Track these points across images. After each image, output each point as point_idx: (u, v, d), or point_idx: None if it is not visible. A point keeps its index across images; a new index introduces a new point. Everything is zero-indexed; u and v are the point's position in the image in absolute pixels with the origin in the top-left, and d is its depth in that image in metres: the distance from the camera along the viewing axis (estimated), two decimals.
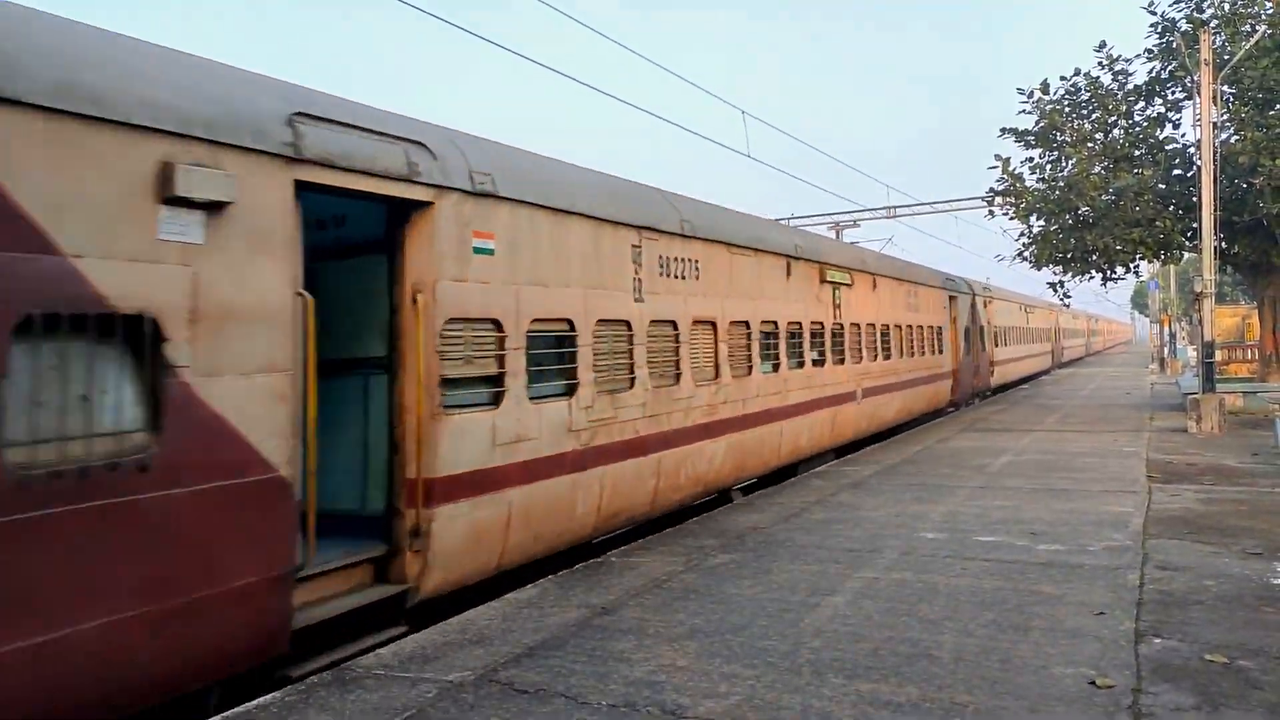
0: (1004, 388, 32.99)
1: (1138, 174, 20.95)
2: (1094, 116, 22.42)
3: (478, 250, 7.01)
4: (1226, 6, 20.86)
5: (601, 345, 8.59)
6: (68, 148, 4.39)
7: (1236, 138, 19.88)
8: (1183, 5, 21.53)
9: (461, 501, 6.71)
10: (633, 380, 9.03)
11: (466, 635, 5.98)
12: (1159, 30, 21.63)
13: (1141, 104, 22.40)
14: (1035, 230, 23.40)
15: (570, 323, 8.14)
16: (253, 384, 5.20)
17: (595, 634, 5.95)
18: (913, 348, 19.85)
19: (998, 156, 23.17)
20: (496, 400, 7.16)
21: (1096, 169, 21.45)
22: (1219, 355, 24.06)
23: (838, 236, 39.09)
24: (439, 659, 5.54)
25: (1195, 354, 25.00)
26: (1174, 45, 20.65)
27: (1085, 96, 22.45)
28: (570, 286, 8.19)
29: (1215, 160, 18.12)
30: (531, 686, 5.04)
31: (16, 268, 4.15)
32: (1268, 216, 19.51)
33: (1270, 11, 19.75)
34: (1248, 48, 18.97)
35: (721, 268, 11.03)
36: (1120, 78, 22.38)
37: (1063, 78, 22.65)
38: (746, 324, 11.61)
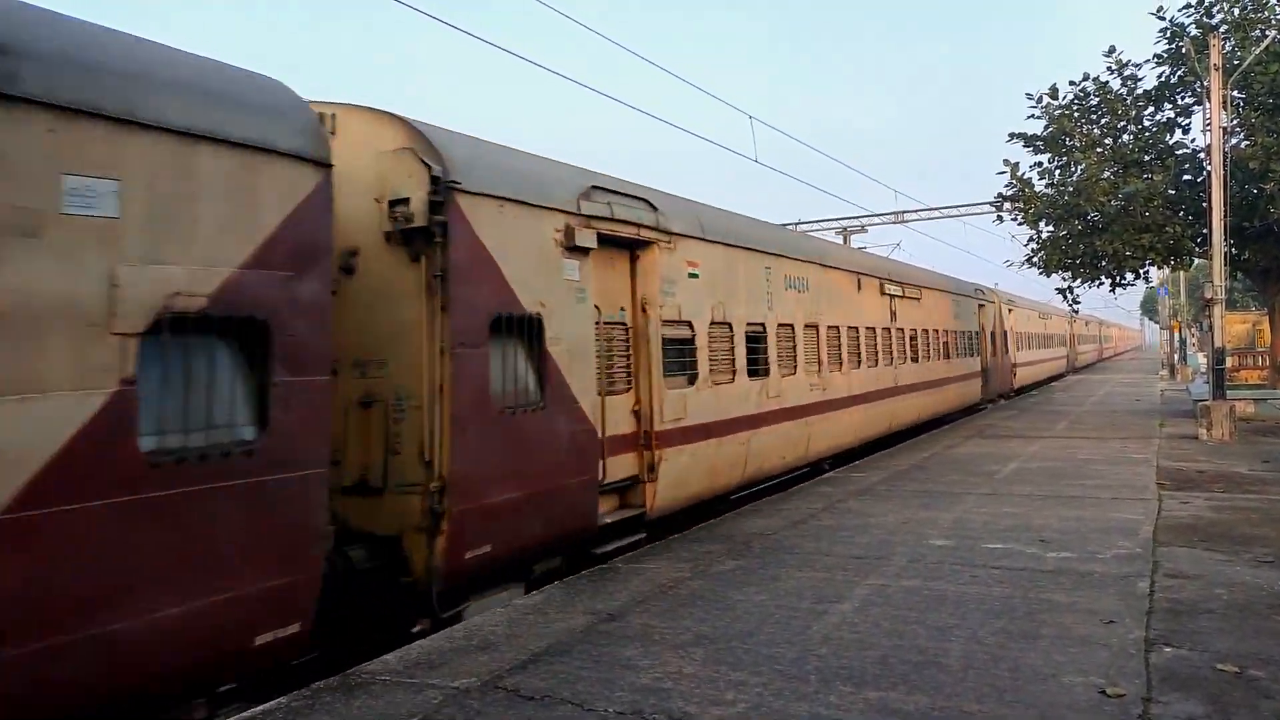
0: (1025, 389, 35.22)
1: (1147, 179, 20.85)
2: (1103, 121, 22.33)
3: (691, 275, 10.36)
4: (1236, 11, 20.76)
5: (756, 343, 11.93)
6: (514, 220, 7.55)
7: (1247, 143, 19.78)
8: (1192, 10, 21.46)
9: (674, 449, 9.72)
10: (768, 369, 12.12)
11: (472, 641, 5.97)
12: (1168, 35, 21.55)
13: (1151, 109, 22.30)
14: (1044, 236, 23.33)
15: (727, 325, 11.20)
16: (585, 369, 8.33)
17: (601, 640, 5.93)
18: (952, 351, 22.75)
19: (1006, 161, 23.11)
20: (692, 377, 10.31)
21: (1106, 174, 21.35)
22: (1230, 362, 23.91)
23: (845, 241, 39.07)
24: (445, 665, 5.53)
25: (1206, 360, 24.89)
26: (1183, 50, 20.58)
27: (1094, 101, 22.37)
28: (735, 299, 11.39)
29: (1225, 165, 18.04)
30: (537, 693, 5.02)
31: (486, 289, 7.20)
32: (1278, 222, 19.41)
33: None
34: (1258, 53, 18.88)
35: (817, 283, 14.08)
36: (1130, 83, 22.30)
37: (1072, 83, 22.59)
38: (836, 328, 14.70)
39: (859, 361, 15.72)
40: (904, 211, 39.30)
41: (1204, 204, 19.18)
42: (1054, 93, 22.44)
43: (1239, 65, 19.16)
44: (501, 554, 7.24)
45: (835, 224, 40.31)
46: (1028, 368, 36.46)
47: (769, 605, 6.65)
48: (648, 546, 8.91)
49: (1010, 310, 32.00)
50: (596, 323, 8.61)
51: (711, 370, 10.64)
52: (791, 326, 12.95)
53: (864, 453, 16.07)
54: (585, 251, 8.38)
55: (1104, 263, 22.42)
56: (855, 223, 40.11)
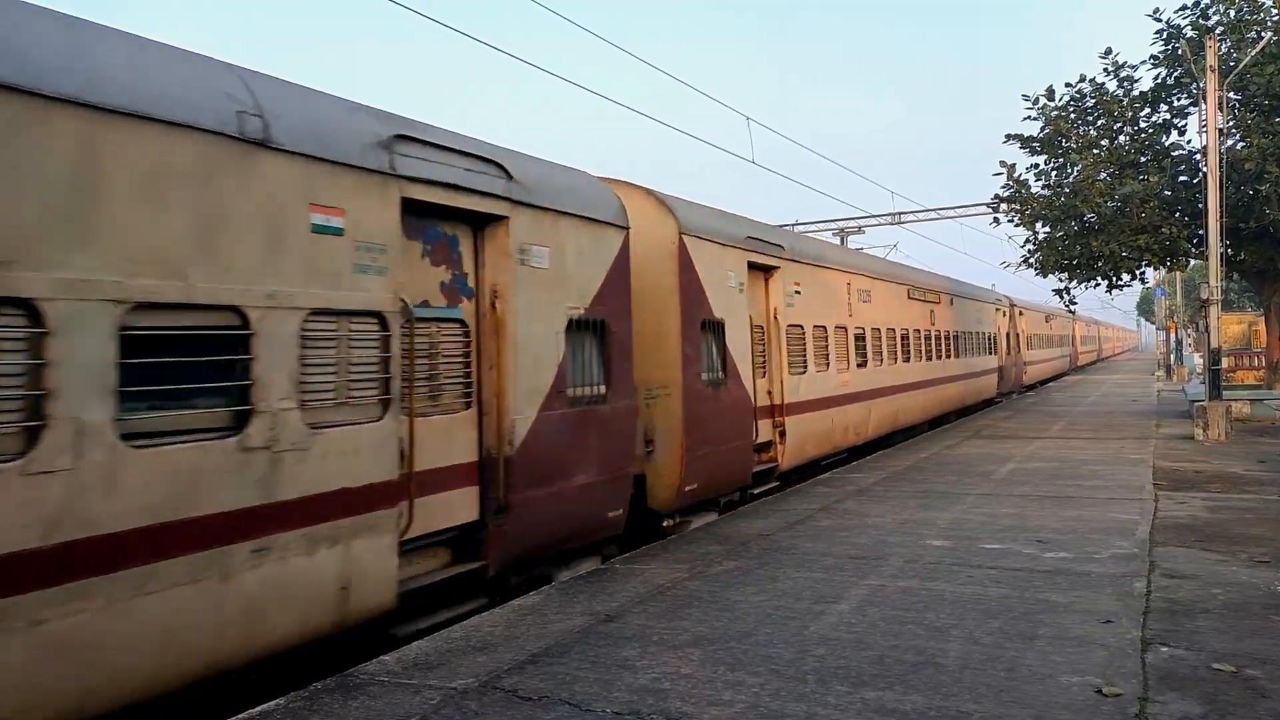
0: (1033, 385, 38.65)
1: (1143, 180, 20.91)
2: (1100, 123, 22.38)
3: (796, 291, 13.43)
4: (1232, 13, 20.82)
5: (840, 341, 15.13)
6: (709, 254, 10.66)
7: (1242, 144, 19.84)
8: (1188, 12, 21.51)
9: (793, 418, 12.98)
10: (848, 363, 15.40)
11: (470, 642, 5.97)
12: (1164, 37, 21.60)
13: (1147, 110, 22.34)
14: (1041, 237, 23.37)
15: (824, 328, 14.39)
16: (745, 359, 11.48)
17: (599, 641, 5.93)
18: (976, 350, 26.33)
19: (1003, 163, 23.16)
20: (804, 368, 13.55)
21: (1102, 175, 21.41)
22: (1226, 362, 23.96)
23: (843, 242, 39.08)
24: (442, 666, 5.53)
25: (1202, 361, 24.94)
26: (1179, 52, 20.63)
27: (1091, 103, 22.42)
28: (827, 308, 14.68)
29: (1221, 167, 18.09)
30: (535, 694, 5.02)
31: (698, 301, 10.29)
32: (1274, 223, 19.47)
33: (1276, 18, 19.72)
34: (1253, 54, 18.94)
35: (878, 294, 17.48)
36: (1126, 84, 22.35)
37: (1068, 84, 22.64)
38: (892, 330, 18.18)
39: (914, 357, 19.60)
40: (901, 213, 39.35)
41: (1200, 205, 19.23)
42: (1050, 94, 22.49)
43: (1235, 67, 19.22)
44: (702, 489, 10.34)
45: (833, 225, 40.34)
46: (1036, 365, 39.80)
47: (766, 606, 6.66)
48: (645, 548, 8.93)
49: (1021, 314, 35.36)
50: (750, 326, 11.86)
51: (815, 361, 13.94)
52: (863, 329, 16.38)
53: (919, 431, 20.42)
54: (744, 275, 11.66)
55: (1100, 263, 22.48)
56: (853, 224, 40.15)
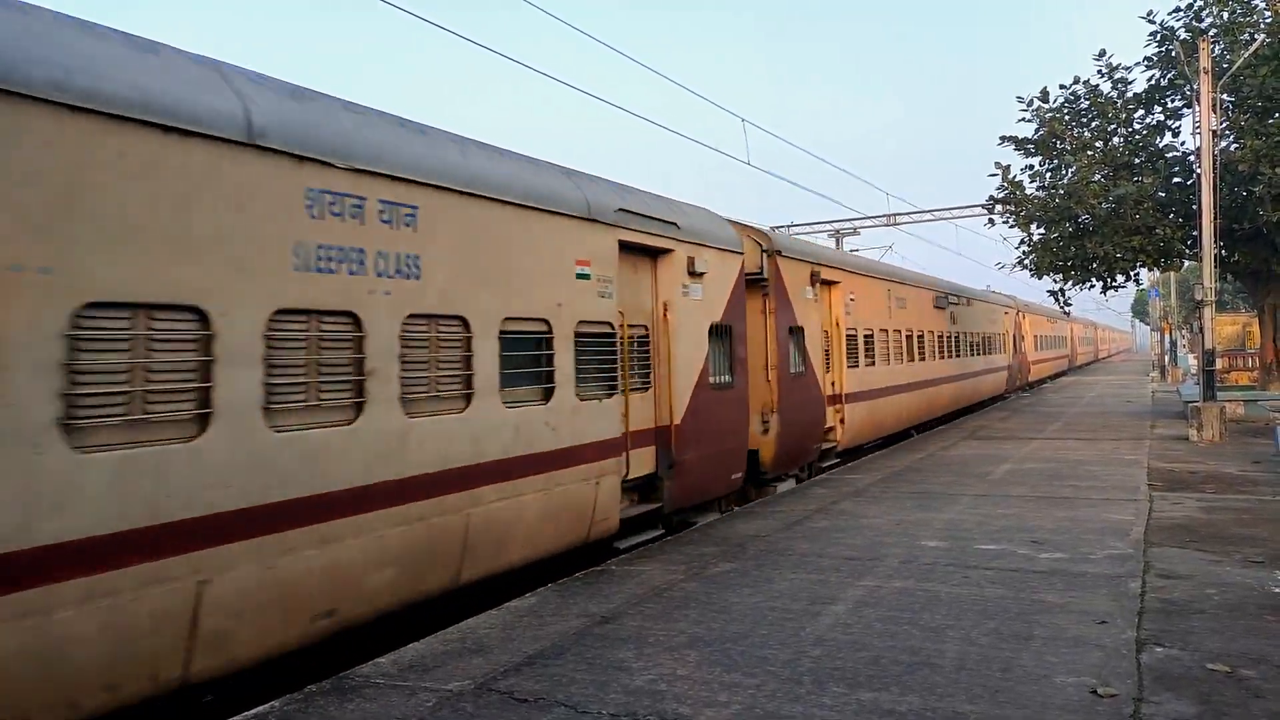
0: (1038, 382, 42.00)
1: (1138, 182, 20.95)
2: (1094, 124, 22.43)
3: (851, 300, 16.30)
4: (1225, 15, 20.88)
5: (883, 341, 17.95)
6: (793, 270, 13.46)
7: (1236, 146, 19.89)
8: (1181, 14, 21.57)
9: (850, 405, 15.69)
10: (890, 358, 18.23)
11: (466, 644, 5.96)
12: (1158, 39, 21.66)
13: (1141, 112, 22.40)
14: (1035, 238, 23.40)
15: (871, 331, 17.14)
16: (818, 355, 14.21)
17: (595, 643, 5.93)
18: (989, 349, 29.09)
19: (998, 164, 23.18)
20: (857, 364, 16.28)
21: (1096, 177, 21.45)
22: (1220, 363, 24.04)
23: (838, 244, 39.10)
24: (438, 668, 5.52)
25: (1196, 362, 24.99)
26: (1173, 54, 20.69)
27: (1085, 104, 22.47)
28: (873, 312, 17.41)
29: (1215, 168, 18.14)
30: (531, 695, 5.02)
31: (786, 309, 13.18)
32: (1268, 224, 19.52)
33: (1269, 20, 19.78)
34: (1246, 56, 18.99)
35: (911, 301, 20.23)
36: (1120, 86, 22.40)
37: (1062, 86, 22.69)
38: (924, 332, 21.11)
39: (941, 355, 22.70)
40: (896, 214, 39.35)
41: (1194, 206, 19.28)
42: (1045, 96, 22.54)
43: (1228, 69, 19.28)
44: (787, 458, 13.15)
45: (828, 226, 40.36)
46: (1039, 364, 42.87)
47: (763, 607, 6.66)
48: (642, 549, 8.93)
49: (1026, 317, 38.22)
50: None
51: (865, 358, 16.70)
52: (900, 331, 19.20)
53: (944, 420, 23.37)
54: (816, 289, 14.35)
55: (1095, 265, 22.51)
56: (848, 225, 40.17)
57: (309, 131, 5.70)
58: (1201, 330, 19.28)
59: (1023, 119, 22.77)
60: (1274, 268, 21.37)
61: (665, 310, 9.75)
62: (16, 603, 4.07)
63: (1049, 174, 22.89)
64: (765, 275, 12.57)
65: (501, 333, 7.19)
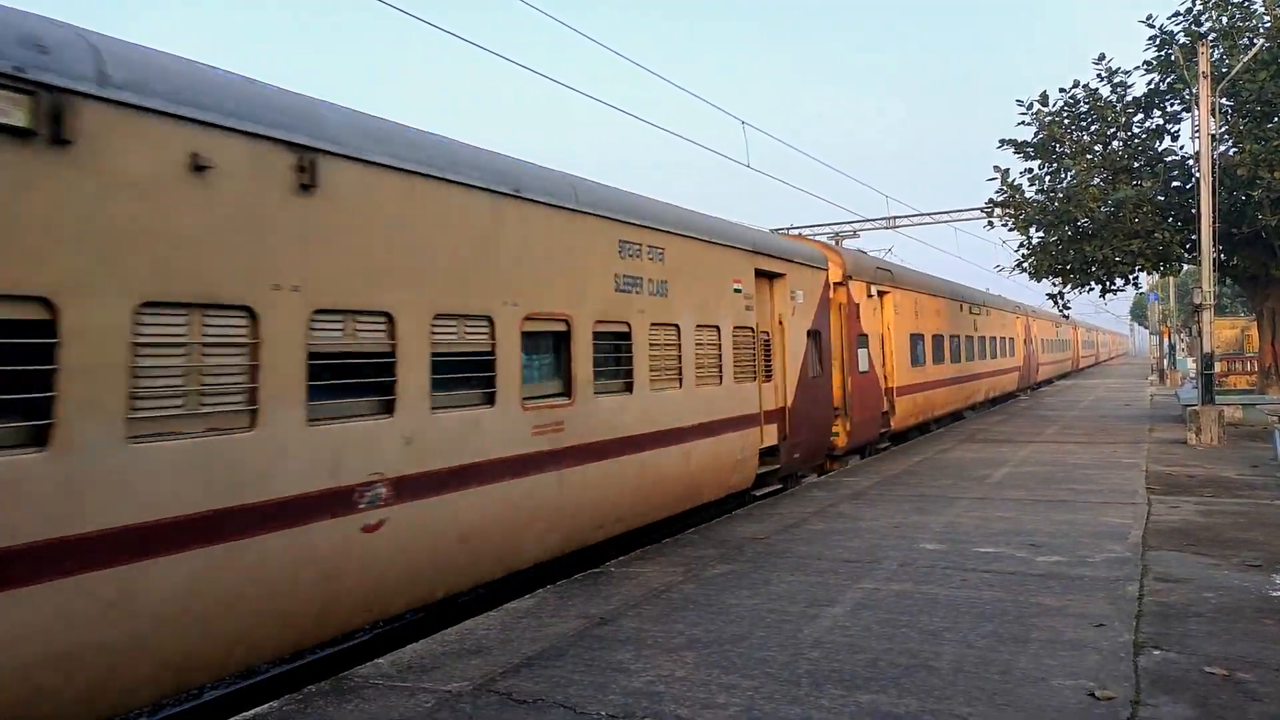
0: (1045, 382, 45.28)
1: (1137, 186, 20.96)
2: (1093, 128, 22.43)
3: (897, 305, 19.27)
4: (1224, 20, 20.91)
5: (924, 343, 21.17)
6: (858, 286, 16.99)
7: (1235, 150, 19.90)
8: (1181, 18, 21.60)
9: (900, 396, 18.93)
10: (929, 358, 21.49)
11: (465, 645, 5.97)
12: (1157, 43, 21.68)
13: (1140, 116, 22.40)
14: (1035, 241, 23.41)
15: (922, 336, 20.88)
16: (878, 356, 17.86)
17: (594, 644, 5.94)
18: (1005, 352, 32.17)
19: (997, 168, 23.19)
20: (904, 362, 19.11)
21: (1096, 180, 21.46)
22: (1218, 367, 24.05)
23: (837, 246, 39.01)
24: (437, 669, 5.53)
25: (1194, 366, 25.01)
26: (1172, 58, 20.72)
27: (1084, 108, 22.48)
28: (915, 318, 20.54)
29: (1214, 172, 18.17)
30: (529, 696, 5.03)
31: (853, 319, 16.60)
32: (1266, 228, 19.53)
33: (1268, 25, 19.81)
34: (1246, 60, 19.02)
35: (943, 310, 23.47)
36: (1119, 90, 22.42)
37: (1061, 89, 22.70)
38: (956, 335, 24.51)
39: (968, 356, 25.88)
40: (896, 216, 39.36)
41: (1193, 210, 19.30)
42: (1044, 99, 22.54)
43: (1227, 73, 19.30)
44: (856, 441, 16.06)
45: (828, 229, 40.36)
46: (1046, 365, 46.12)
47: (761, 609, 6.67)
48: (640, 550, 8.94)
49: (1034, 321, 41.25)
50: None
51: (911, 357, 19.86)
52: (939, 334, 22.55)
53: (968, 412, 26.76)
54: (875, 298, 17.16)
55: (1094, 268, 22.51)
56: (848, 228, 40.17)
57: (616, 203, 9.05)
58: (1200, 334, 19.30)
59: (1022, 122, 22.81)
60: (1272, 272, 21.38)
61: (780, 320, 12.84)
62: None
63: (1048, 177, 22.90)
64: (842, 286, 15.91)
65: (697, 326, 10.31)
